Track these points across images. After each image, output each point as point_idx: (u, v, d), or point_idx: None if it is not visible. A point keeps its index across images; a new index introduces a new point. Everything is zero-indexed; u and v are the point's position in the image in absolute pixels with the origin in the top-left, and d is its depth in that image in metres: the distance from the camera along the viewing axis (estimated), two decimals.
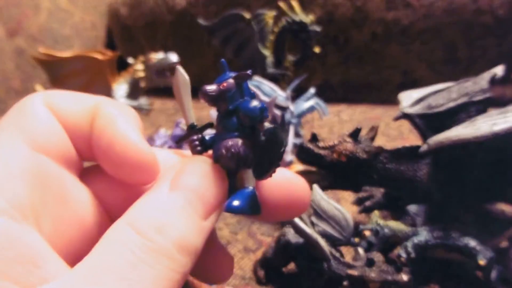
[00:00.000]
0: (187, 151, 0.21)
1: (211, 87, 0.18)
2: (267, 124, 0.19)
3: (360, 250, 0.42)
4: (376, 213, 0.47)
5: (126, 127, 0.18)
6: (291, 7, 0.84)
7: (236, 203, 0.18)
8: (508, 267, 0.40)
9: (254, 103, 0.18)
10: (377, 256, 0.40)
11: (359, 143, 0.47)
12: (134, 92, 1.03)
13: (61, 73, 0.96)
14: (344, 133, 0.48)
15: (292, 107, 0.72)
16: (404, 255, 0.41)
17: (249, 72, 0.18)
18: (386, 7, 1.03)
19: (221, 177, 0.18)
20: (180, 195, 0.17)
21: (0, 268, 0.14)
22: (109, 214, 0.20)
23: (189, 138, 0.20)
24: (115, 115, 0.19)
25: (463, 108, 0.45)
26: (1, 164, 0.16)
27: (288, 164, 0.63)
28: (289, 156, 0.65)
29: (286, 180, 0.21)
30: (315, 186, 0.46)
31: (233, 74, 0.19)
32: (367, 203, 0.57)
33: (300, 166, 0.53)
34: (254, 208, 0.19)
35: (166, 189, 0.17)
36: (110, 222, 0.18)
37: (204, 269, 0.21)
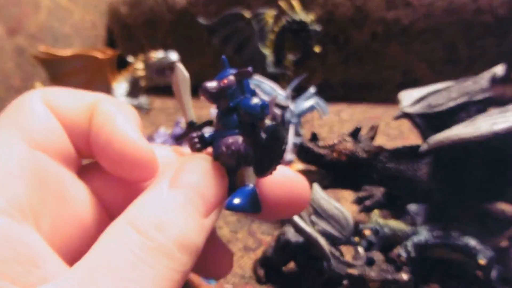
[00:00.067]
0: (186, 149, 0.21)
1: (212, 84, 0.18)
2: (267, 122, 0.18)
3: (360, 249, 0.41)
4: (376, 212, 0.47)
5: (124, 124, 0.18)
6: (291, 6, 0.83)
7: (236, 201, 0.18)
8: (508, 266, 0.40)
9: (255, 100, 0.18)
10: (377, 255, 0.40)
11: (359, 143, 0.47)
12: (134, 91, 1.03)
13: (61, 72, 0.96)
14: (344, 132, 0.48)
15: (292, 106, 0.72)
16: (404, 254, 0.41)
17: (249, 69, 0.18)
18: (386, 6, 1.03)
19: (221, 175, 0.18)
20: (180, 193, 0.17)
21: (0, 268, 0.14)
22: (108, 211, 0.20)
23: (188, 136, 0.20)
24: (113, 112, 0.18)
25: (463, 108, 0.45)
26: (0, 164, 0.16)
27: (288, 163, 0.63)
28: (289, 155, 0.65)
29: (286, 178, 0.21)
30: (315, 185, 0.46)
31: (233, 71, 0.18)
32: (367, 202, 0.57)
33: (300, 165, 0.53)
34: (254, 206, 0.19)
35: (165, 186, 0.17)
36: (109, 219, 0.18)
37: (204, 264, 0.21)
